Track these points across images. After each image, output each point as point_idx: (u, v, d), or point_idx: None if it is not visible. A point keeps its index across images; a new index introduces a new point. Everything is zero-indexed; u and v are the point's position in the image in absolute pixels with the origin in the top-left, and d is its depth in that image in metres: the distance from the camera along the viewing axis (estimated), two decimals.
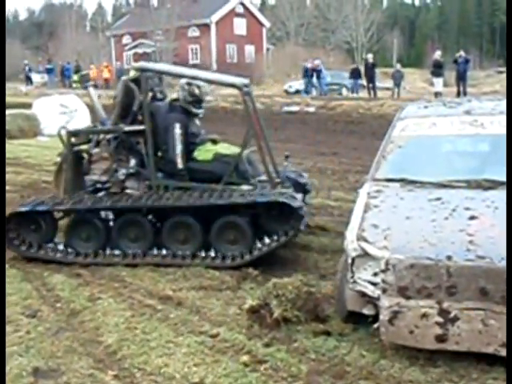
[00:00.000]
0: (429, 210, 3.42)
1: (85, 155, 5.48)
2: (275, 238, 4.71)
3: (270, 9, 55.99)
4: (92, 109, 5.64)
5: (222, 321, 3.75)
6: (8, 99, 18.25)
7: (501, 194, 3.48)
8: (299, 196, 5.02)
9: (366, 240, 3.24)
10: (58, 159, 5.59)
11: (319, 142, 12.63)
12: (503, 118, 4.02)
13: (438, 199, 3.51)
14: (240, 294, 4.21)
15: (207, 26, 38.78)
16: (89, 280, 4.52)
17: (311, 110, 18.46)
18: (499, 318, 2.88)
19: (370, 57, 21.91)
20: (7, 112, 12.89)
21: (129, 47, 40.21)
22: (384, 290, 3.06)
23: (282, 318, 3.59)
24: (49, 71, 32.85)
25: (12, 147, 11.37)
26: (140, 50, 38.32)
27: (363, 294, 3.29)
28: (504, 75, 32.33)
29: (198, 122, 5.44)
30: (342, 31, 47.59)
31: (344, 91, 25.31)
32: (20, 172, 9.20)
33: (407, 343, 3.09)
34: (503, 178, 3.61)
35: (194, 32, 38.97)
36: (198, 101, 5.29)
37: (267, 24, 43.45)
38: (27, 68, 32.68)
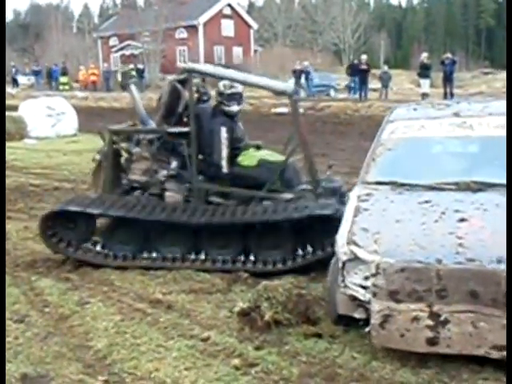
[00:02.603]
0: (418, 213, 3.43)
1: (124, 154, 5.41)
2: (319, 249, 4.57)
3: (257, 10, 56.06)
4: (133, 107, 5.58)
5: (212, 324, 3.74)
6: None
7: (490, 196, 3.50)
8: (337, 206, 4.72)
9: (356, 244, 3.25)
10: (97, 157, 5.50)
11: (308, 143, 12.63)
12: (492, 120, 4.05)
13: (428, 202, 3.53)
14: (230, 296, 4.20)
15: (195, 27, 38.74)
16: (77, 284, 4.48)
17: (299, 111, 18.48)
18: (489, 321, 2.90)
19: (363, 58, 21.58)
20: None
21: (116, 49, 40.05)
22: (374, 294, 3.06)
23: (272, 320, 3.59)
24: (36, 73, 32.62)
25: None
26: (127, 52, 38.19)
27: (354, 298, 3.29)
28: (489, 76, 32.68)
29: (240, 125, 5.36)
30: (329, 33, 47.79)
31: (332, 92, 25.42)
32: (7, 175, 9.11)
33: (398, 347, 3.09)
34: (492, 179, 3.63)
35: (181, 34, 38.89)
36: (227, 97, 5.15)
37: (255, 26, 43.50)
38: (14, 70, 32.42)
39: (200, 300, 4.14)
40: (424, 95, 18.30)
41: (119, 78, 27.92)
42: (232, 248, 4.73)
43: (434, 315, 2.97)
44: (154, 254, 4.84)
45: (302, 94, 23.30)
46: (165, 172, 5.16)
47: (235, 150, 5.13)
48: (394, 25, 65.99)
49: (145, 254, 4.85)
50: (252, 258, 4.70)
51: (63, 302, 4.14)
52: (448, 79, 18.33)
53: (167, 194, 5.13)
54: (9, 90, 28.69)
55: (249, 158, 5.15)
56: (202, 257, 4.78)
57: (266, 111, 19.26)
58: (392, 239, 3.21)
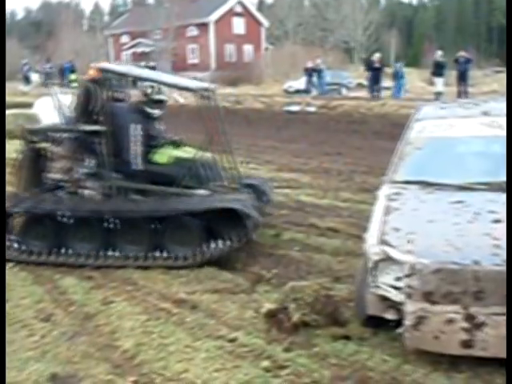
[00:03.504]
0: (451, 213, 3.37)
1: (46, 153, 5.46)
2: (227, 242, 4.75)
3: (268, 8, 55.89)
4: (57, 108, 5.58)
5: (239, 325, 3.70)
6: (7, 99, 18.12)
7: None
8: (250, 202, 4.99)
9: (388, 244, 3.19)
10: (17, 156, 5.56)
11: (322, 142, 12.58)
12: None
13: (460, 202, 3.47)
14: (255, 297, 4.16)
15: (206, 25, 38.65)
16: (101, 283, 4.47)
17: (312, 109, 18.40)
18: None
19: (376, 56, 21.24)
20: (8, 112, 12.76)
21: (127, 46, 40.05)
22: (409, 295, 3.01)
23: (300, 322, 3.55)
24: (48, 71, 32.64)
25: (13, 147, 11.26)
26: (138, 50, 38.19)
27: (385, 299, 3.24)
28: (502, 75, 32.34)
29: (158, 124, 5.44)
30: (340, 31, 47.55)
31: (344, 91, 25.27)
32: None
33: (432, 349, 3.04)
34: None
35: (192, 31, 38.83)
36: (152, 101, 5.32)
37: (266, 23, 43.37)
38: (26, 67, 32.52)
39: (224, 300, 4.10)
40: (438, 94, 18.12)
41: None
42: (144, 243, 4.84)
43: (469, 317, 2.92)
44: (70, 251, 4.93)
45: (314, 92, 23.18)
46: (81, 170, 5.21)
47: (149, 147, 5.20)
48: (405, 22, 65.57)
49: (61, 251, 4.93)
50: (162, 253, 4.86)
51: (88, 300, 4.12)
52: (462, 78, 18.13)
53: (86, 192, 5.21)
54: (21, 87, 28.82)
55: (162, 156, 5.23)
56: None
57: (278, 109, 19.16)
58: (426, 239, 3.16)
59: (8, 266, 4.81)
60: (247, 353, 3.33)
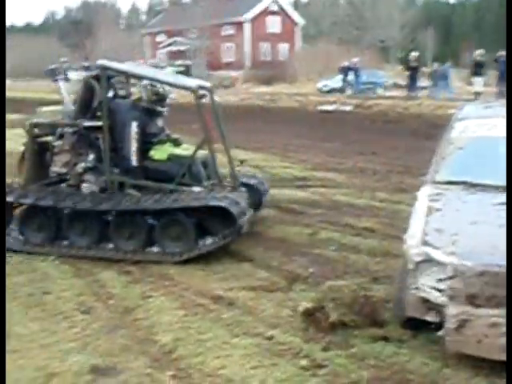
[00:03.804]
0: (495, 215, 3.29)
1: (49, 147, 5.58)
2: (215, 239, 4.87)
3: (303, 7, 55.67)
4: (62, 102, 5.71)
5: (276, 323, 3.70)
6: (45, 96, 18.54)
7: None
8: (243, 201, 5.07)
9: (431, 245, 3.14)
10: (22, 149, 5.70)
11: (357, 141, 12.46)
12: None
13: (504, 204, 3.38)
14: (291, 295, 4.15)
15: (241, 24, 38.78)
16: (138, 277, 4.52)
17: (347, 108, 18.27)
18: None
19: (413, 55, 20.85)
20: (46, 109, 13.04)
21: (163, 45, 40.50)
22: (451, 298, 2.96)
23: (338, 321, 3.52)
24: (86, 69, 33.30)
25: None
26: (174, 48, 38.58)
27: (425, 301, 3.19)
28: None
29: (160, 122, 5.52)
30: (376, 29, 47.01)
31: (379, 90, 24.96)
32: None
33: (474, 353, 2.98)
34: None
35: (228, 30, 39.01)
36: (161, 99, 5.41)
37: (301, 22, 43.22)
38: (65, 65, 33.25)
39: (261, 298, 4.11)
40: (477, 94, 17.76)
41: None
42: (138, 238, 4.96)
43: None
44: (66, 242, 5.12)
45: (349, 91, 23.00)
46: (83, 164, 5.33)
47: (148, 144, 5.29)
48: (442, 21, 64.38)
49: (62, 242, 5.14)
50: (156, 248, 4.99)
51: (126, 294, 4.18)
52: (502, 78, 17.71)
53: (84, 185, 5.31)
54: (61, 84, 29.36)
55: (160, 153, 5.32)
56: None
57: (312, 108, 19.08)
58: (469, 241, 3.10)
59: (49, 258, 4.92)
60: (285, 351, 3.32)
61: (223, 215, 4.78)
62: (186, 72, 30.72)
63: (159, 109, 5.45)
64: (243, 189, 5.41)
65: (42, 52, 36.54)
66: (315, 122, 16.08)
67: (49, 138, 5.54)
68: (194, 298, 4.09)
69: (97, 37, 42.27)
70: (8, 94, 12.91)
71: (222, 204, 4.79)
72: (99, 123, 5.21)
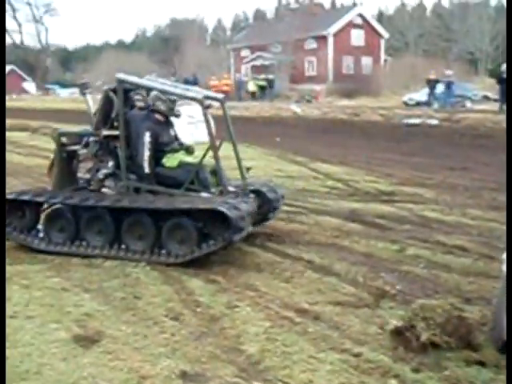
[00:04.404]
0: None
1: (75, 155, 5.97)
2: (213, 242, 5.04)
3: (387, 19, 54.87)
4: (89, 114, 6.05)
5: (363, 340, 3.62)
6: None
7: None
8: (246, 206, 5.23)
9: None
10: (52, 156, 6.16)
11: (446, 156, 12.05)
12: None
13: None
14: (379, 312, 4.05)
15: (325, 38, 38.78)
16: (225, 287, 4.58)
17: (434, 122, 17.72)
18: None
19: (505, 68, 19.88)
20: None
21: (247, 60, 41.25)
22: None
23: (429, 342, 3.39)
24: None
25: None
26: (258, 63, 39.18)
27: None
28: None
29: (172, 131, 5.87)
30: (465, 41, 45.45)
31: (468, 103, 24.05)
32: None
33: None
34: None
35: (311, 44, 39.13)
36: (171, 110, 5.76)
37: (385, 35, 42.58)
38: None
39: (347, 313, 4.03)
40: None
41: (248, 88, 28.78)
42: (147, 238, 5.25)
43: None
44: (84, 243, 5.46)
45: (436, 104, 22.33)
46: (104, 171, 5.75)
47: (161, 152, 5.64)
48: None
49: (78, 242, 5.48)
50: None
51: (213, 303, 4.24)
52: None
53: (104, 190, 5.78)
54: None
55: (171, 160, 5.66)
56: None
57: (397, 122, 18.66)
58: None
59: (141, 264, 5.09)
60: (373, 369, 3.24)
61: (223, 220, 4.93)
62: (269, 86, 31.13)
63: (176, 118, 5.87)
64: (252, 195, 5.65)
65: (133, 68, 38.37)
66: (401, 135, 15.73)
67: (76, 147, 5.96)
68: (280, 310, 4.08)
69: (184, 52, 43.78)
70: None
71: (216, 207, 4.98)
72: (117, 132, 5.62)
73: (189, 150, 5.85)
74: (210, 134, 5.48)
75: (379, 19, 51.73)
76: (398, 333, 3.52)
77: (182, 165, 5.63)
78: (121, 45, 66.55)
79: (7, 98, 44.23)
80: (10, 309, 4.14)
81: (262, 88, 31.27)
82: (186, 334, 3.73)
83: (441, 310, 3.48)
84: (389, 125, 18.20)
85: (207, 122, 5.50)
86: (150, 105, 5.79)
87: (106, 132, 5.70)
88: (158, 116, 5.73)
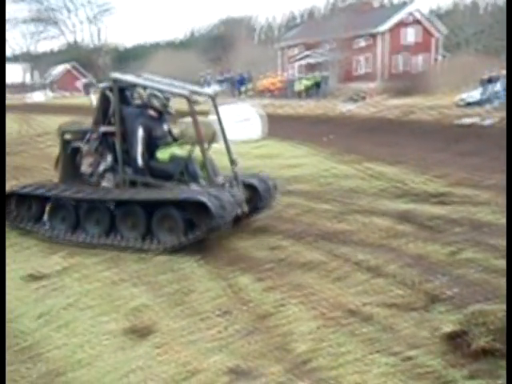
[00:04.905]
0: None
1: (78, 150, 6.30)
2: (197, 231, 5.32)
3: (441, 18, 53.57)
4: (93, 112, 6.34)
5: (414, 343, 3.54)
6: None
7: None
8: (226, 196, 5.45)
9: None
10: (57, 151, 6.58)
11: (502, 157, 11.62)
12: None
13: None
14: (431, 316, 3.95)
15: (375, 35, 38.20)
16: (273, 285, 4.57)
17: (489, 122, 17.17)
18: None
19: None
20: (187, 120, 13.78)
21: (296, 58, 41.12)
22: None
23: (484, 349, 3.28)
24: (221, 82, 35.05)
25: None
26: (306, 61, 39.00)
27: None
28: None
29: (165, 126, 6.16)
30: None
31: None
32: None
33: None
34: None
35: (361, 42, 38.63)
36: (164, 106, 6.05)
37: (436, 33, 41.55)
38: (203, 79, 35.12)
39: (398, 316, 3.96)
40: None
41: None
42: (139, 228, 5.58)
43: None
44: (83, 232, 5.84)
45: (496, 103, 21.57)
46: (104, 165, 6.09)
47: (155, 146, 5.96)
48: None
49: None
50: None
51: (262, 300, 4.25)
52: None
53: (103, 183, 6.10)
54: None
55: (163, 153, 5.96)
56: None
57: (450, 122, 18.17)
58: None
59: (190, 260, 5.16)
60: (425, 374, 3.16)
61: (206, 209, 5.17)
62: (318, 84, 30.95)
63: (169, 114, 6.14)
64: (240, 187, 5.94)
65: (185, 66, 38.99)
66: (453, 135, 15.29)
67: (79, 143, 6.26)
68: (329, 310, 4.04)
69: (234, 51, 44.06)
70: None
71: (196, 197, 5.28)
72: (113, 129, 5.94)
73: (180, 144, 6.04)
74: (196, 128, 5.66)
75: (432, 16, 50.54)
76: (451, 338, 3.44)
77: (172, 158, 5.90)
78: (172, 44, 67.46)
79: (59, 95, 45.85)
80: (64, 300, 4.27)
81: (310, 87, 31.10)
82: (234, 331, 3.75)
83: (495, 316, 3.37)
84: (441, 124, 17.75)
85: (194, 116, 5.68)
86: (146, 102, 6.07)
87: (103, 128, 6.06)
88: (151, 112, 6.03)
